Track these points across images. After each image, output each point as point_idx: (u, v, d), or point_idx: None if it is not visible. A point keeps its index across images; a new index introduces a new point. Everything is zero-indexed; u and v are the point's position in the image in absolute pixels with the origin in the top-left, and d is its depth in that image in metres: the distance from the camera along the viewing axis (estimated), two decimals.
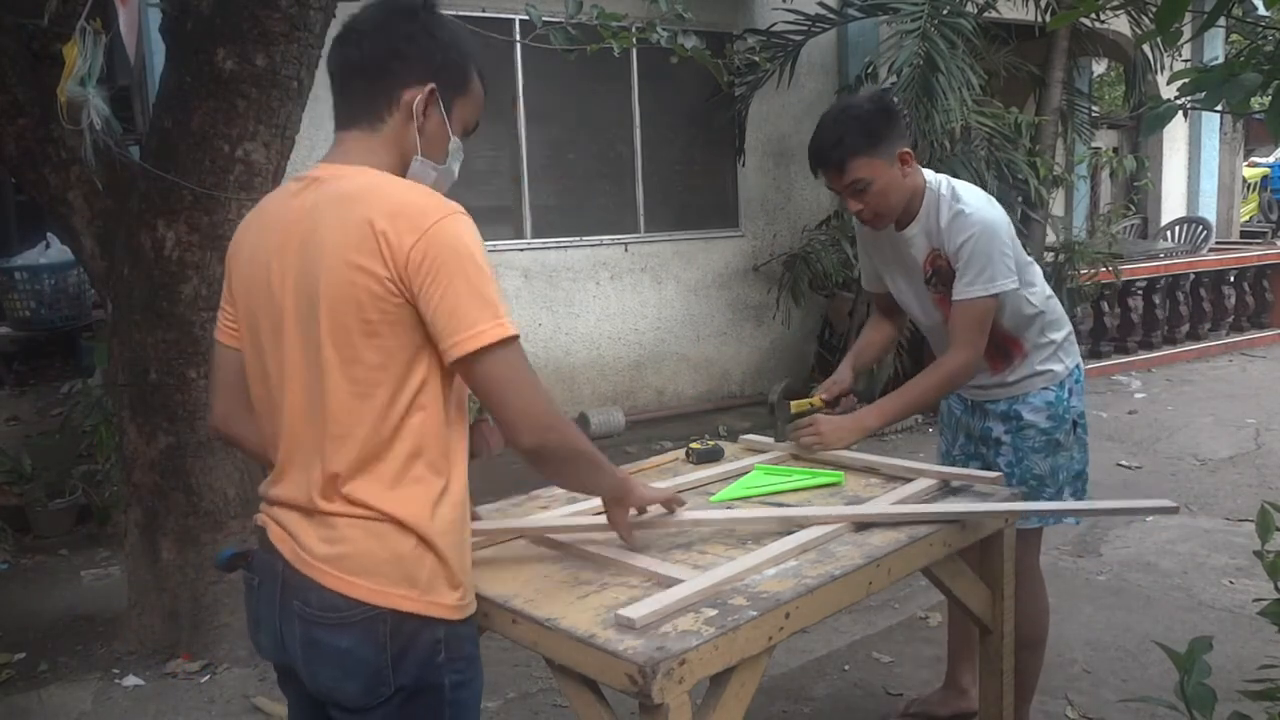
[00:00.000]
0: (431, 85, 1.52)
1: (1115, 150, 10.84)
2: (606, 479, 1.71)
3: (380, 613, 1.41)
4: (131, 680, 3.38)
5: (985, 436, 2.66)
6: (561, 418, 1.49)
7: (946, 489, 2.26)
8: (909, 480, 2.27)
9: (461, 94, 1.58)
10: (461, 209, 1.45)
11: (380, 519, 1.42)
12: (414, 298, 1.39)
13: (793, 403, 2.62)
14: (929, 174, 2.50)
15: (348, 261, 1.40)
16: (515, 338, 1.42)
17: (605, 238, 6.85)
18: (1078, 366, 2.66)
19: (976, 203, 2.42)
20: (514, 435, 1.45)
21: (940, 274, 2.49)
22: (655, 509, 1.91)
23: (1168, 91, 2.21)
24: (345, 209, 1.43)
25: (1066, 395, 2.59)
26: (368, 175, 1.48)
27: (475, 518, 1.61)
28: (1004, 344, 2.56)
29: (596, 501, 2.20)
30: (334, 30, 3.33)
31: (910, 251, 2.52)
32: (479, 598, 1.63)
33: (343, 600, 1.41)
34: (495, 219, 6.46)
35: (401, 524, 1.42)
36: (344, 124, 1.56)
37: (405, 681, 1.43)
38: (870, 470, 2.39)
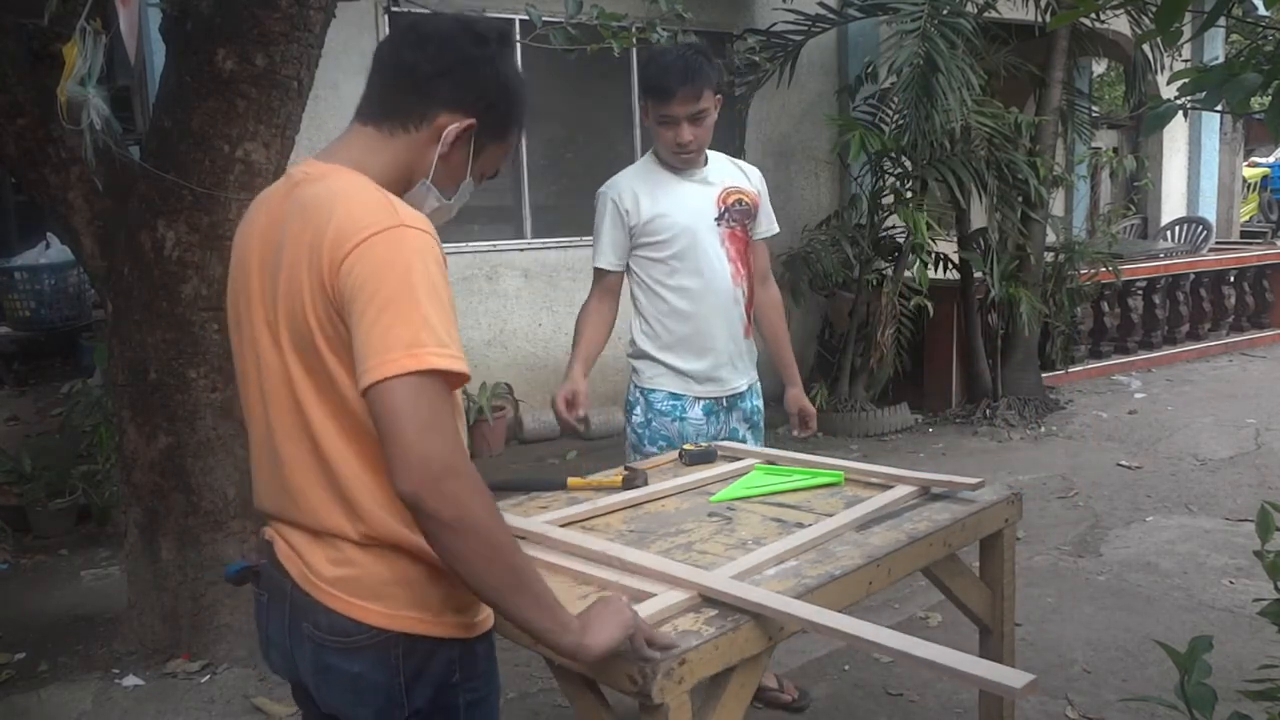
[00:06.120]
0: (472, 121, 1.41)
1: (1115, 150, 10.84)
2: (532, 609, 1.31)
3: (392, 636, 1.35)
4: (131, 680, 3.38)
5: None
6: (468, 479, 1.23)
7: (927, 495, 2.22)
8: (888, 487, 2.24)
9: (497, 142, 1.48)
10: (418, 223, 1.30)
11: (384, 545, 1.34)
12: (347, 318, 1.26)
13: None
14: None
15: (301, 278, 1.30)
16: (436, 372, 1.22)
17: None
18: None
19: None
20: (394, 476, 1.22)
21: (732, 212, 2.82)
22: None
23: (1168, 91, 2.20)
24: (308, 218, 1.33)
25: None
26: (342, 179, 1.36)
27: None
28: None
29: (603, 501, 2.20)
30: (333, 30, 3.28)
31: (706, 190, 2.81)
32: None
33: (352, 624, 1.35)
34: (495, 219, 6.44)
35: (408, 550, 1.34)
36: (363, 117, 1.44)
37: (420, 704, 1.37)
38: (852, 480, 2.35)
